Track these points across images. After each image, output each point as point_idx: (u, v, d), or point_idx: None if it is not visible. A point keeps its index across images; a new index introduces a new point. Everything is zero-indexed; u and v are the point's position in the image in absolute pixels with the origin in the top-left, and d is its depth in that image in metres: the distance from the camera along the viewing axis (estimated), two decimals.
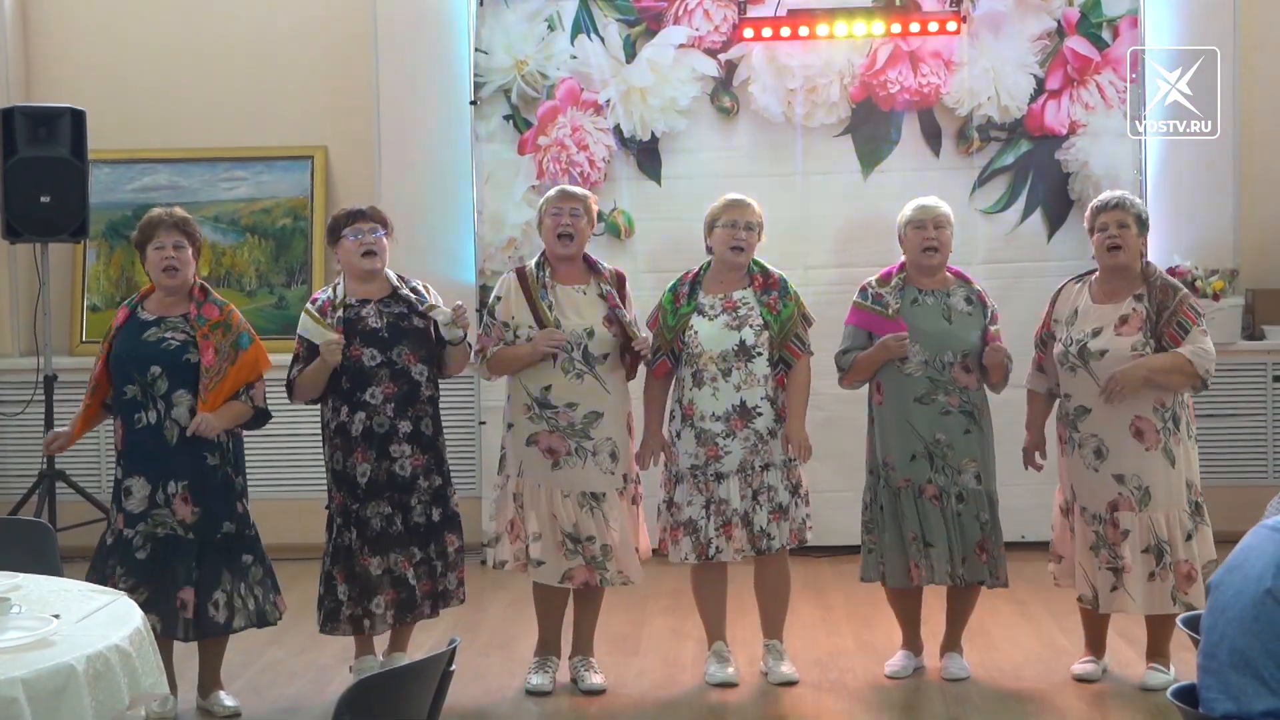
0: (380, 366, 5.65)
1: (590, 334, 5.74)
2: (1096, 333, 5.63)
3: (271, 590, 5.62)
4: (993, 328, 5.85)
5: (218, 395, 5.42)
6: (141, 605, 5.25)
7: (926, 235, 5.84)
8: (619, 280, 5.92)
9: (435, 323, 5.73)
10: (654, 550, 6.03)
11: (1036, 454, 5.97)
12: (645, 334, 5.87)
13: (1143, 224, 5.71)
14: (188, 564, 5.42)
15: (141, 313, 5.55)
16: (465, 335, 5.77)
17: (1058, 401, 5.85)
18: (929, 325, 5.80)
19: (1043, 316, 5.89)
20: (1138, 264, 5.70)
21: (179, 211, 5.63)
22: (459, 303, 5.80)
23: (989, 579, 5.81)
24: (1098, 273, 5.78)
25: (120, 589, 5.24)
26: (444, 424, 5.89)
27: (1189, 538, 5.58)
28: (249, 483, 5.69)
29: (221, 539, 5.48)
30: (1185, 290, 5.69)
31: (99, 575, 5.34)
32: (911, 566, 5.81)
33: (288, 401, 5.87)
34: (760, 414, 5.78)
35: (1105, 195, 5.83)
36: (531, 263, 5.90)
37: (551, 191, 5.98)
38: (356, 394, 5.64)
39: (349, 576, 5.66)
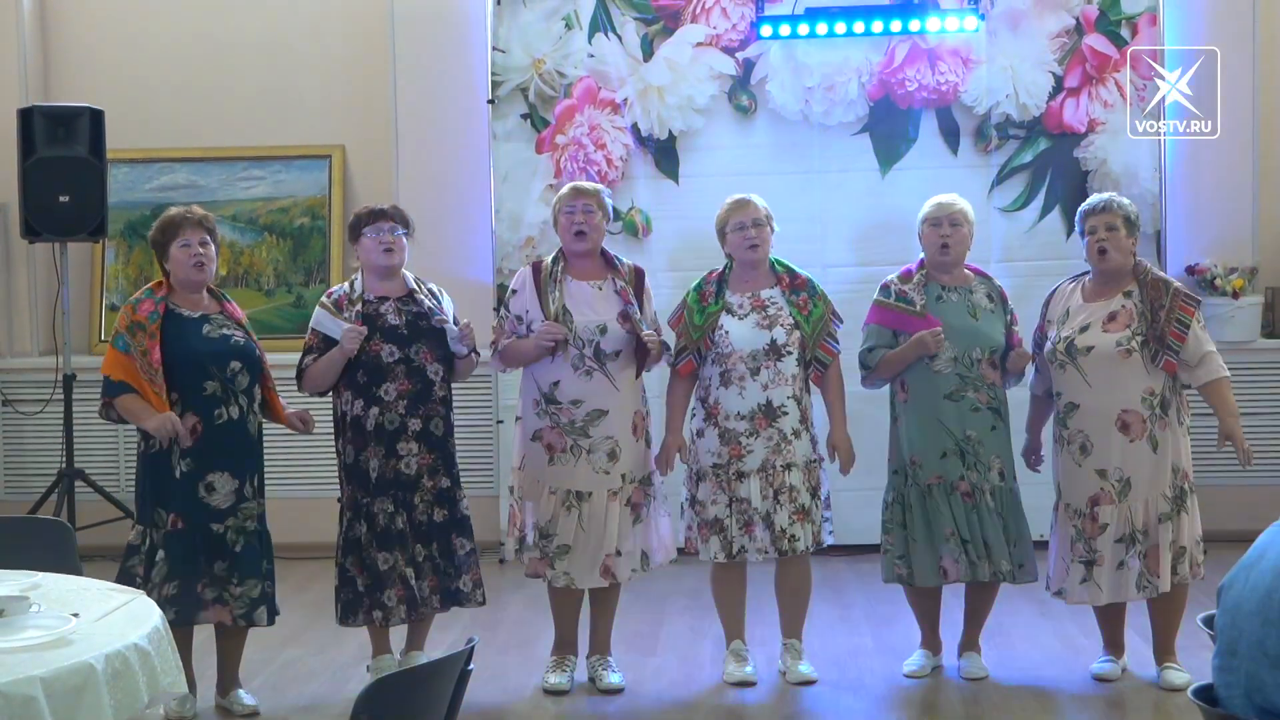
0: (397, 363, 5.66)
1: (603, 330, 5.74)
2: (1084, 329, 5.66)
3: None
4: (1015, 328, 5.87)
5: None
6: (255, 601, 5.48)
7: (941, 232, 5.84)
8: (637, 276, 5.92)
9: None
10: (680, 549, 6.02)
11: (1033, 456, 5.99)
12: (651, 330, 5.82)
13: (1131, 224, 5.73)
14: (269, 555, 5.62)
15: (180, 310, 5.52)
16: (470, 351, 5.82)
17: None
18: (958, 321, 5.80)
19: (1039, 318, 5.91)
20: (1129, 263, 5.73)
21: (199, 209, 5.65)
22: (466, 321, 5.82)
23: (1015, 576, 5.80)
24: (1091, 273, 5.80)
25: (205, 585, 5.43)
26: (462, 422, 5.91)
27: (1161, 520, 5.60)
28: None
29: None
30: (1176, 284, 5.72)
31: (167, 574, 5.38)
32: (949, 563, 5.78)
33: (296, 402, 5.88)
34: (786, 413, 5.77)
35: (1094, 198, 5.88)
36: (549, 258, 5.90)
37: (564, 189, 5.99)
38: (372, 389, 5.66)
39: (363, 569, 5.68)
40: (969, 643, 5.98)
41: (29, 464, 8.45)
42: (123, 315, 5.51)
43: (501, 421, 7.99)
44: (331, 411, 5.81)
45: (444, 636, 6.25)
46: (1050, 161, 8.01)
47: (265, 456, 5.70)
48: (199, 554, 5.44)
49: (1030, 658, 6.14)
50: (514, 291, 5.90)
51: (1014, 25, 7.98)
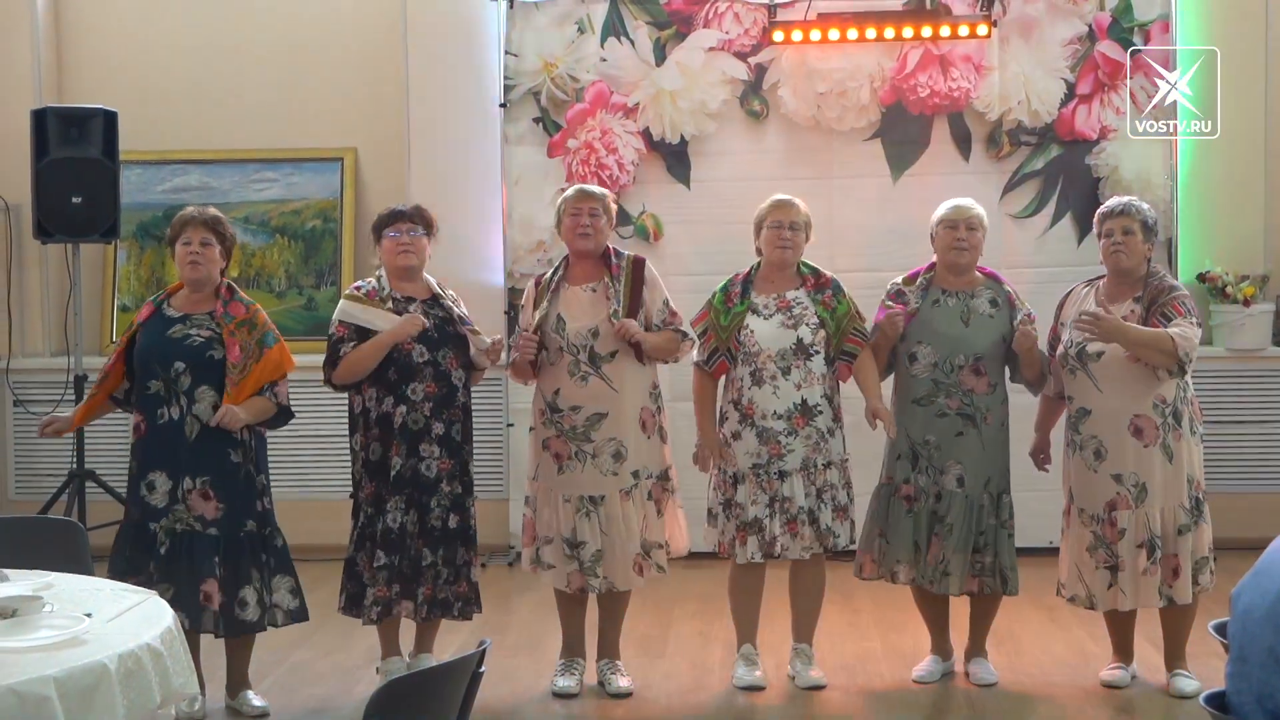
0: (426, 364, 5.68)
1: (595, 334, 5.75)
2: None
3: (297, 590, 5.65)
4: (1023, 315, 5.80)
5: (241, 391, 5.46)
6: (169, 601, 5.35)
7: (957, 235, 5.84)
8: (635, 266, 5.88)
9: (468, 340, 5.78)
10: (714, 554, 5.99)
11: (1040, 456, 6.02)
12: (628, 320, 5.74)
13: (1149, 229, 5.73)
14: (209, 559, 5.43)
15: (167, 309, 5.59)
16: (489, 366, 5.86)
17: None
18: (944, 328, 5.82)
19: (1052, 321, 5.92)
20: (1142, 268, 5.72)
21: (211, 211, 5.69)
22: (498, 337, 5.86)
23: (956, 588, 5.80)
24: (1105, 277, 5.80)
25: (140, 583, 5.33)
26: (473, 426, 5.91)
27: (1181, 532, 5.60)
28: (272, 483, 5.71)
29: (245, 536, 5.50)
30: (1183, 290, 5.72)
31: (119, 569, 5.36)
32: (867, 561, 5.93)
33: (309, 403, 5.90)
34: (820, 412, 5.80)
35: (1112, 201, 5.87)
36: (551, 269, 5.93)
37: (569, 191, 6.00)
38: (401, 387, 5.67)
39: (370, 564, 5.69)
40: (974, 648, 5.98)
41: (40, 464, 8.46)
42: None
43: (512, 425, 8.00)
44: (348, 410, 5.83)
45: (453, 639, 6.25)
46: (1062, 168, 8.01)
47: (271, 458, 5.71)
48: (138, 550, 5.48)
49: (1040, 664, 6.13)
50: (521, 307, 5.95)
51: (1026, 32, 7.98)
